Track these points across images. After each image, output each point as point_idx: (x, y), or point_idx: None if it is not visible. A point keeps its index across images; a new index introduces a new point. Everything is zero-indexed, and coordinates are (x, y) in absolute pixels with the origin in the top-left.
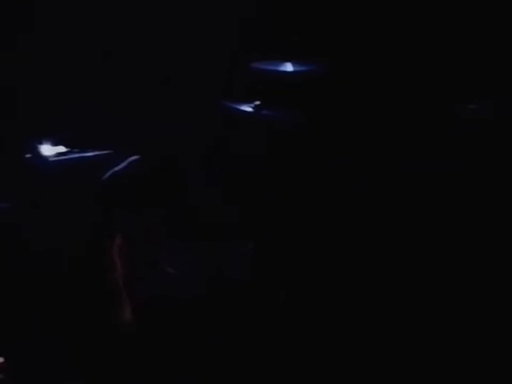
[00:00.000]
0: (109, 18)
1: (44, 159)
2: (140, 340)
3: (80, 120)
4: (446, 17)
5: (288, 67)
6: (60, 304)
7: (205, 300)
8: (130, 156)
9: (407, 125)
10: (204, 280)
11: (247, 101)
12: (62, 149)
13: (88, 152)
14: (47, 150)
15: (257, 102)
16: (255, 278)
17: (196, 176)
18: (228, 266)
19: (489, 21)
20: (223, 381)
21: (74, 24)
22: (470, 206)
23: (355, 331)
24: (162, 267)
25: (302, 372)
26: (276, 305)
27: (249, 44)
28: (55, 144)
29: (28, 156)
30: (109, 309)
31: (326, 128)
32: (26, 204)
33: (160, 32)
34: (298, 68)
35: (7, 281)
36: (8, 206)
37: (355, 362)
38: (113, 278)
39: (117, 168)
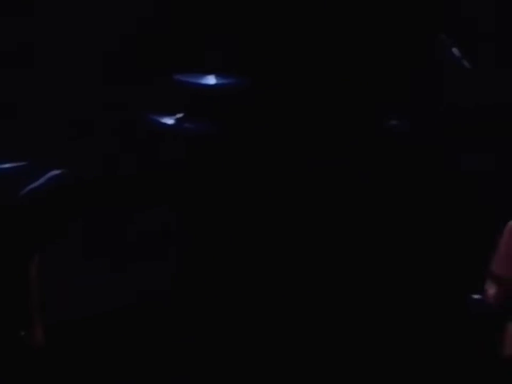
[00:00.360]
0: None
1: None
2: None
3: None
4: (367, 39)
5: (211, 80)
6: None
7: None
8: (49, 169)
9: (327, 137)
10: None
11: (170, 114)
12: None
13: (4, 164)
14: None
15: (180, 115)
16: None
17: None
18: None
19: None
20: None
21: None
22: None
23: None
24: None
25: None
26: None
27: (171, 56)
28: None
29: None
30: (23, 327)
31: (247, 139)
32: None
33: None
34: (221, 81)
35: None
36: None
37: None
38: (30, 295)
39: (35, 183)
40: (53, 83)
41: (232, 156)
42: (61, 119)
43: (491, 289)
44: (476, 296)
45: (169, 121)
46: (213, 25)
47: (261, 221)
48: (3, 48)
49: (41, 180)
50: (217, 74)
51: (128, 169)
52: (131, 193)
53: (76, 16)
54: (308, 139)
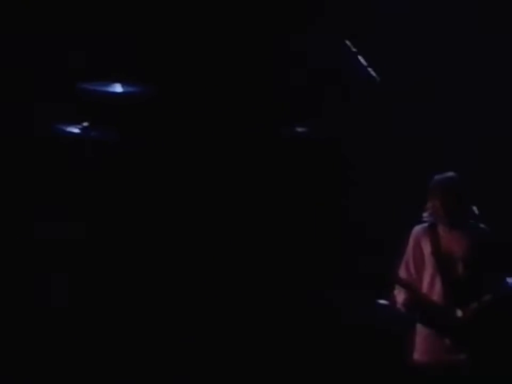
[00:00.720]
0: None
1: None
2: None
3: None
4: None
5: (117, 88)
6: None
7: None
8: None
9: (231, 145)
10: None
11: (76, 122)
12: None
13: None
14: None
15: (86, 123)
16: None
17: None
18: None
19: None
20: None
21: None
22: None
23: None
24: None
25: None
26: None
27: (79, 65)
28: None
29: None
30: None
31: (153, 146)
32: None
33: None
34: (128, 89)
35: None
36: None
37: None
38: None
39: None
40: None
41: (139, 162)
42: None
43: (399, 295)
44: (382, 302)
45: (75, 130)
46: (117, 34)
47: (165, 226)
48: None
49: None
50: (123, 82)
51: (35, 178)
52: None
53: None
54: (211, 144)
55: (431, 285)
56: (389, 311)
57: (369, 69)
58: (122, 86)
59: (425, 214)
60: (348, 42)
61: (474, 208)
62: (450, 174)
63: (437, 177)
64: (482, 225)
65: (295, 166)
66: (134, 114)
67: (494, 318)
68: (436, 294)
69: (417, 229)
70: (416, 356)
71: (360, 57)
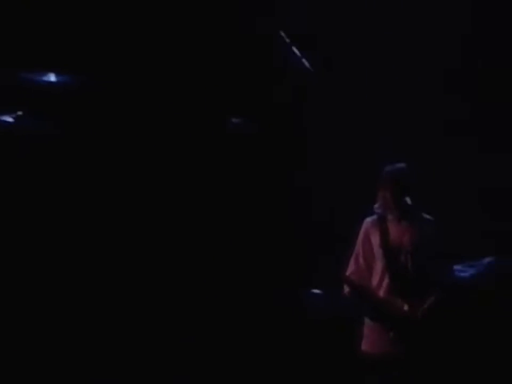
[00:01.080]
0: None
1: None
2: None
3: None
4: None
5: (51, 77)
6: None
7: None
8: None
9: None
10: None
11: (9, 111)
12: None
13: None
14: None
15: (20, 112)
16: None
17: None
18: None
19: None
20: None
21: None
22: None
23: None
24: None
25: None
26: None
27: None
28: None
29: None
30: None
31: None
32: None
33: None
34: (62, 79)
35: None
36: None
37: None
38: None
39: None
40: None
41: (73, 153)
42: None
43: (347, 288)
44: (315, 291)
45: (9, 119)
46: (54, 24)
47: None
48: None
49: None
50: (57, 72)
51: None
52: None
53: None
54: (149, 137)
55: (381, 277)
56: (322, 300)
57: (304, 60)
58: (57, 76)
59: (375, 206)
60: (282, 33)
61: (408, 199)
62: (401, 165)
63: (387, 168)
64: (428, 217)
65: (240, 160)
66: (69, 104)
67: (442, 311)
68: (386, 286)
69: (367, 221)
70: (364, 347)
71: (294, 49)
